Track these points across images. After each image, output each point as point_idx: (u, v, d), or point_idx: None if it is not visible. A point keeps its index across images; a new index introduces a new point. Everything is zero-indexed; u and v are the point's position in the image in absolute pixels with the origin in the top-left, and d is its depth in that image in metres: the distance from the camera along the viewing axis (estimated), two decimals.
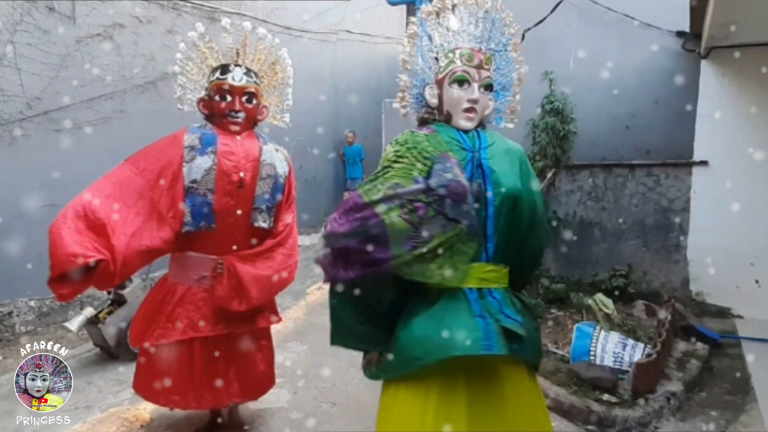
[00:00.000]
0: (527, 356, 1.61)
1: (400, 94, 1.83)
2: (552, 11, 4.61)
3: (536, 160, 5.08)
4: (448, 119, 1.72)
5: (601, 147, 5.12)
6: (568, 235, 5.21)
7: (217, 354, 2.45)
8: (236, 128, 2.45)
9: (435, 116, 1.76)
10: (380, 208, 1.45)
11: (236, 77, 2.42)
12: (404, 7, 8.75)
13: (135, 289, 3.95)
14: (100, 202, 2.13)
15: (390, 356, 1.59)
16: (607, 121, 5.09)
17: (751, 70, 4.52)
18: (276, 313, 2.68)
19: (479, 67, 1.68)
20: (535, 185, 1.74)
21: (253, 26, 2.54)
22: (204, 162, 2.32)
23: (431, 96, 1.74)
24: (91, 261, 1.99)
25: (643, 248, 5.00)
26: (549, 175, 5.08)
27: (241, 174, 2.39)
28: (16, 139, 4.35)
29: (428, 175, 1.53)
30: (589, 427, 3.09)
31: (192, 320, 2.38)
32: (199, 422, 2.77)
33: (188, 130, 2.42)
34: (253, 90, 2.46)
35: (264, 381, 2.66)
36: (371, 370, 1.70)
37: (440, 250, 1.46)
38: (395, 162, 1.58)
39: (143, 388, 2.50)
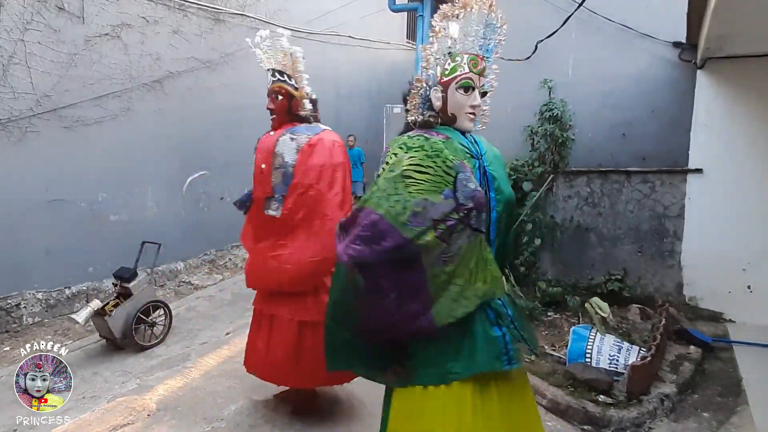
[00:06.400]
0: (534, 350, 1.70)
1: (413, 91, 1.81)
2: (563, 24, 4.63)
3: (535, 165, 5.17)
4: (452, 121, 1.73)
5: (599, 154, 5.19)
6: (564, 239, 5.30)
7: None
8: (271, 124, 2.80)
9: (438, 119, 1.75)
10: (411, 233, 1.47)
11: (268, 81, 2.73)
12: (405, 14, 8.84)
13: (140, 283, 4.01)
14: None
15: (416, 368, 1.62)
16: (605, 128, 5.15)
17: (745, 81, 4.61)
18: None
19: (481, 73, 1.72)
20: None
21: (272, 32, 2.72)
22: (253, 159, 2.76)
23: (436, 98, 1.73)
24: None
25: (638, 253, 5.07)
26: (547, 180, 5.18)
27: (262, 165, 2.66)
28: (25, 135, 4.41)
29: (454, 186, 1.54)
30: (585, 427, 3.13)
31: None
32: (204, 414, 2.83)
33: None
34: (277, 88, 2.70)
35: None
36: (396, 379, 1.69)
37: (472, 264, 1.53)
38: (417, 172, 1.55)
39: (254, 365, 2.76)
